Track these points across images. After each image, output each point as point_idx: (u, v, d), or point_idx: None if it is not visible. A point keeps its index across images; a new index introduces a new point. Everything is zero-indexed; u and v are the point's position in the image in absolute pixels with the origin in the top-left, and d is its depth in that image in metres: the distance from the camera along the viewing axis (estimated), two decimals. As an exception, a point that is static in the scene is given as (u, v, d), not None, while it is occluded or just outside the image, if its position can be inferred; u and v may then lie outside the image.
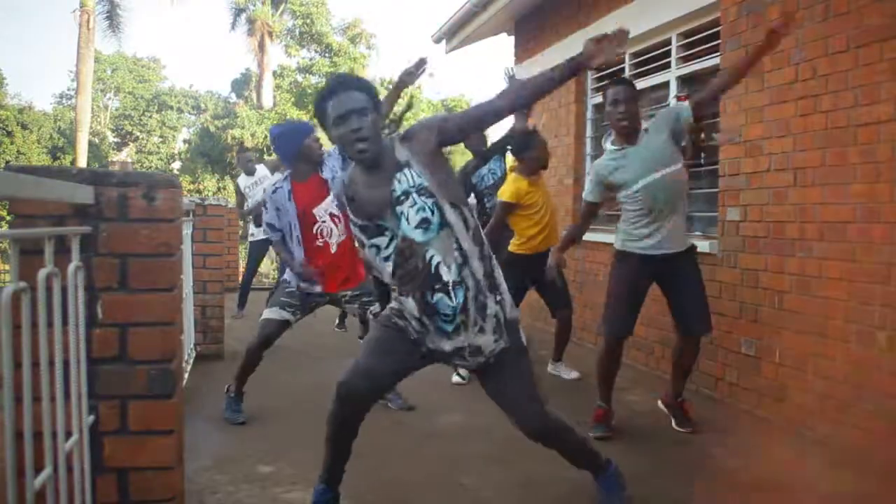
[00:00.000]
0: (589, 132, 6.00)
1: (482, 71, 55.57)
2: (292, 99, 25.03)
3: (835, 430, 3.30)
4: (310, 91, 26.92)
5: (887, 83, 3.05)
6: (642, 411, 3.94)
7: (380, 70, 32.19)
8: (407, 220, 2.16)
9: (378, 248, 2.23)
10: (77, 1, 18.59)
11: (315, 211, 3.62)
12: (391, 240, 2.21)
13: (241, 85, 30.81)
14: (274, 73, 28.71)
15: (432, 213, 2.17)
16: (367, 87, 2.24)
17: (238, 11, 28.68)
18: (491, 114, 2.21)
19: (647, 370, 4.85)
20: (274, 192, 3.66)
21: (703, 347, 4.19)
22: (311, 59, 26.53)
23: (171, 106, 30.46)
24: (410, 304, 2.22)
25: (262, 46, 28.89)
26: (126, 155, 29.03)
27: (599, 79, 5.84)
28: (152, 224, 1.87)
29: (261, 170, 7.33)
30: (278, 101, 27.43)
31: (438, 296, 2.17)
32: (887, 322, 3.04)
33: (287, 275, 3.79)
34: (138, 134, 28.82)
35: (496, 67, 60.18)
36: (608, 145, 3.46)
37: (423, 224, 2.16)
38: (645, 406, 4.02)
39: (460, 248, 2.18)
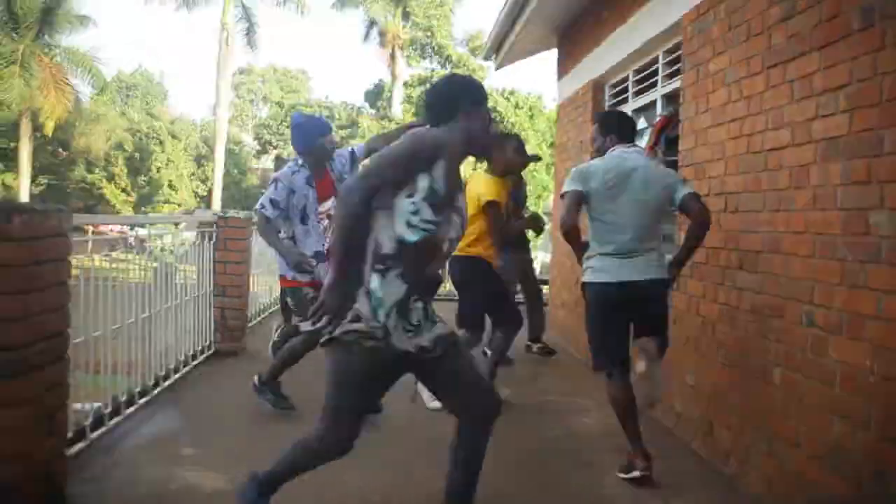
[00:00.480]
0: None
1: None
2: (412, 110, 25.93)
3: (742, 471, 3.16)
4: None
5: (788, 106, 2.90)
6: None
7: (497, 80, 32.44)
8: (455, 220, 2.29)
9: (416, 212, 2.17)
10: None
11: (319, 207, 3.79)
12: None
13: (374, 96, 32.31)
14: (405, 83, 29.90)
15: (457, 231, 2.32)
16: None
17: (371, 24, 30.17)
18: None
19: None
20: (292, 173, 3.77)
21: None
22: (432, 71, 27.32)
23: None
24: (393, 291, 2.18)
25: (393, 57, 30.22)
26: (266, 161, 31.37)
27: (614, 95, 5.77)
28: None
29: None
30: (405, 112, 28.51)
31: (418, 305, 2.24)
32: (780, 359, 2.89)
33: (282, 268, 3.90)
34: (277, 142, 31.08)
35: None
36: None
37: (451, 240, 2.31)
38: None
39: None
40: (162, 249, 6.01)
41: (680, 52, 4.22)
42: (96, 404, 3.46)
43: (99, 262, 3.84)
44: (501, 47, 7.41)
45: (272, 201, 3.75)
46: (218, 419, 3.95)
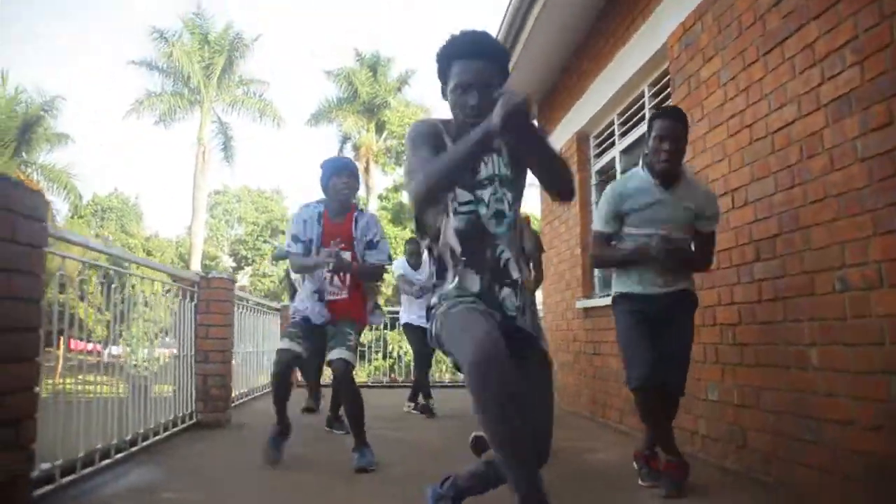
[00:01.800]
0: (594, 198, 5.91)
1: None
2: (389, 216, 26.24)
3: (787, 473, 2.88)
4: (406, 207, 28.20)
5: (790, 83, 2.89)
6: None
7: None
8: (486, 205, 2.06)
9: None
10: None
11: (323, 250, 3.64)
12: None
13: (349, 209, 32.70)
14: (379, 195, 30.45)
15: (509, 208, 2.09)
16: (501, 56, 2.07)
17: (344, 139, 31.03)
18: None
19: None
20: (309, 206, 3.74)
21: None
22: (407, 178, 27.87)
23: (282, 231, 32.81)
24: (474, 284, 2.04)
25: (367, 170, 30.89)
26: (242, 278, 31.16)
27: (599, 144, 5.82)
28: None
29: None
30: (381, 219, 28.87)
31: (507, 291, 2.05)
32: (815, 337, 2.71)
33: (297, 303, 3.84)
34: (253, 258, 31.10)
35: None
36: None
37: (498, 216, 2.07)
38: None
39: (522, 251, 2.21)
40: (135, 365, 5.54)
41: (667, 77, 4.29)
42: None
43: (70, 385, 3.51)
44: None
45: (293, 236, 3.71)
46: (200, 473, 3.56)
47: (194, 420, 5.05)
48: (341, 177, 3.65)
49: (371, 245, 3.70)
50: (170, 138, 79.43)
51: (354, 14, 68.15)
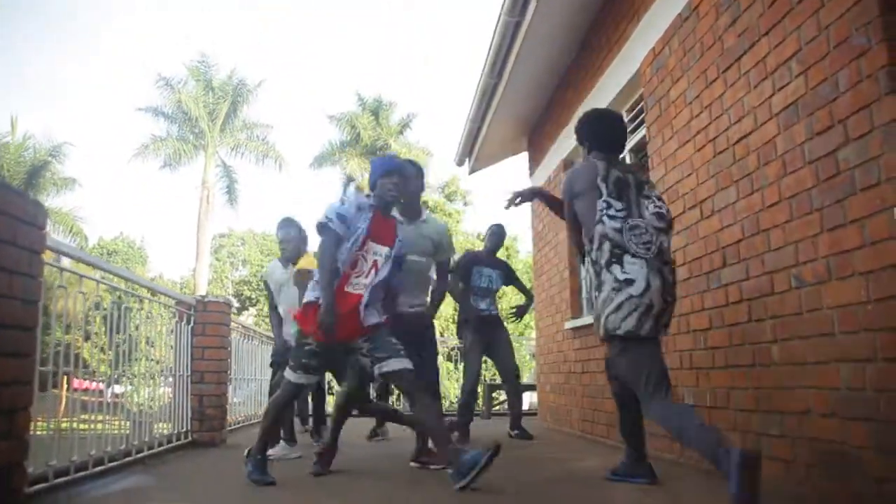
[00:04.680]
0: (581, 223, 6.08)
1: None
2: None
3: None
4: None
5: (746, 96, 3.08)
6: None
7: (475, 224, 33.50)
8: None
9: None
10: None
11: (371, 244, 3.35)
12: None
13: (352, 250, 32.94)
14: (381, 236, 30.72)
15: None
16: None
17: (348, 181, 31.43)
18: None
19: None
20: (361, 199, 3.46)
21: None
22: (408, 219, 28.16)
23: (287, 272, 32.96)
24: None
25: (370, 213, 31.19)
26: (245, 318, 31.23)
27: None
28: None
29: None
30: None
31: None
32: (777, 333, 2.84)
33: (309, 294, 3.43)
34: (257, 298, 31.14)
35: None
36: None
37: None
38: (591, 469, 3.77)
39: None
40: (140, 406, 5.60)
41: (642, 102, 4.50)
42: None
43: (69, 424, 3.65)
44: (473, 149, 7.78)
45: (339, 215, 3.31)
46: (191, 483, 3.66)
47: (189, 439, 5.14)
48: (391, 177, 3.44)
49: (399, 263, 3.49)
50: (175, 182, 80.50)
51: (357, 59, 69.60)
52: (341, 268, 3.28)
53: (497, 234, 5.72)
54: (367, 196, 3.52)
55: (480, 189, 72.95)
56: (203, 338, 5.48)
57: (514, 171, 58.37)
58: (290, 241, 4.91)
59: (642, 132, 4.59)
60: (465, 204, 28.46)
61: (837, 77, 2.46)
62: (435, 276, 4.08)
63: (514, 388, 5.64)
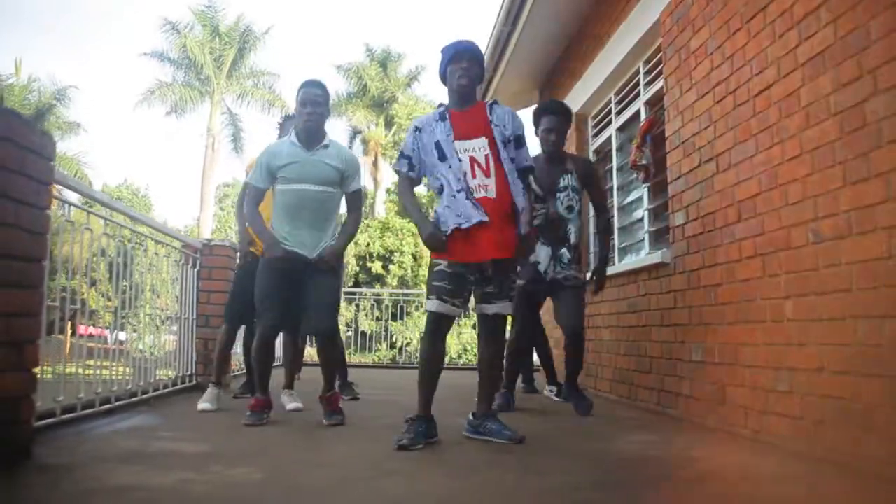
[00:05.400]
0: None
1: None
2: (395, 209, 26.39)
3: (764, 425, 2.98)
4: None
5: (770, 47, 2.99)
6: (650, 455, 3.72)
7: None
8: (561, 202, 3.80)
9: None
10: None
11: (458, 144, 3.00)
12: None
13: (357, 202, 32.84)
14: (388, 189, 30.57)
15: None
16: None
17: (354, 133, 31.17)
18: None
19: (628, 401, 4.56)
20: (423, 117, 3.17)
21: (665, 365, 3.98)
22: (415, 173, 27.97)
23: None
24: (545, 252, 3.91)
25: (376, 164, 31.02)
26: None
27: (596, 125, 5.92)
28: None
29: None
30: (389, 215, 29.03)
31: (563, 249, 3.90)
32: (791, 290, 2.81)
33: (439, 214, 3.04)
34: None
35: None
36: None
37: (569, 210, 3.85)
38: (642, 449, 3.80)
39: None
40: (142, 351, 5.53)
41: (660, 54, 4.39)
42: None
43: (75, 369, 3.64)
44: (485, 95, 7.66)
45: (402, 154, 3.11)
46: (198, 420, 3.69)
47: (194, 382, 5.18)
48: (461, 62, 3.04)
49: (520, 142, 3.08)
50: (180, 130, 79.80)
51: (366, 8, 68.25)
52: (449, 185, 2.97)
53: None
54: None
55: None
56: (209, 282, 5.48)
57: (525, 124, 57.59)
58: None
59: (659, 84, 4.49)
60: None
61: (869, 26, 2.37)
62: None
63: None
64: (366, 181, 32.53)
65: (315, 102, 3.46)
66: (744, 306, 3.17)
